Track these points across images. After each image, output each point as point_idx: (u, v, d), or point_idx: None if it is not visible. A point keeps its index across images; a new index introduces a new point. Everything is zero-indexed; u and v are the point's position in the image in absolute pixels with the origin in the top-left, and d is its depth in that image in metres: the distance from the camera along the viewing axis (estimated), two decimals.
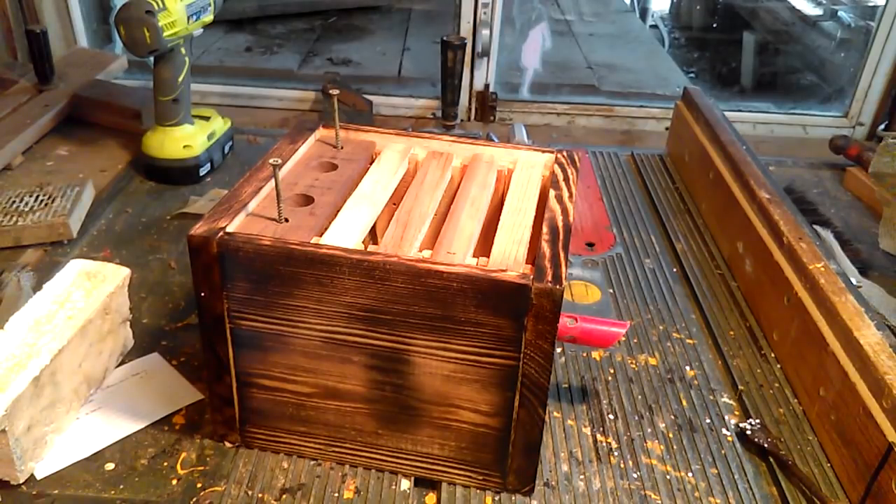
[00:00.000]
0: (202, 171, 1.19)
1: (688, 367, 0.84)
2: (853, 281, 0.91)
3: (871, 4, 2.12)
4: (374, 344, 0.63)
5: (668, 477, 0.71)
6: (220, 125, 1.24)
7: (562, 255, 0.60)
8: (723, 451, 0.74)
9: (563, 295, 0.57)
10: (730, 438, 0.75)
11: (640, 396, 0.80)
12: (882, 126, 1.65)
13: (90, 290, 0.76)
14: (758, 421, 0.76)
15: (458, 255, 0.62)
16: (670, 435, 0.75)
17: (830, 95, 1.88)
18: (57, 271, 0.78)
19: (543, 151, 0.78)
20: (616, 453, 0.73)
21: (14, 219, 1.00)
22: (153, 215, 1.09)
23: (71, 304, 0.73)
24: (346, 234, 0.64)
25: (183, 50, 1.12)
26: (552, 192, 0.70)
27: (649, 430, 0.76)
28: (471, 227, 0.66)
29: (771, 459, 0.73)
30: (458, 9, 1.56)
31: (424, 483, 0.69)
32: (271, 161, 0.63)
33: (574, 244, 1.05)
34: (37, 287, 0.83)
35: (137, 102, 1.31)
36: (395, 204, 0.72)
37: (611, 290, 0.97)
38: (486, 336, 0.60)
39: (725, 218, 1.05)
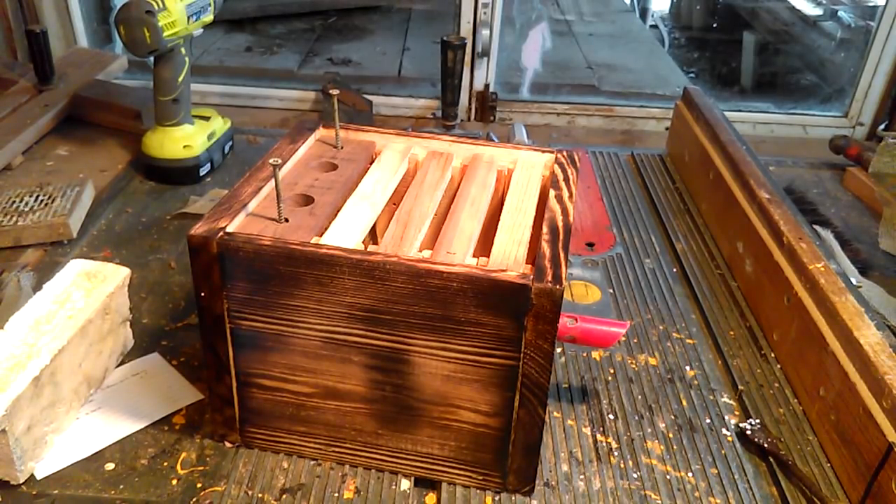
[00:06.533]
0: (202, 171, 1.19)
1: (688, 367, 0.84)
2: (853, 281, 0.91)
3: (871, 4, 2.12)
4: (374, 344, 0.63)
5: (668, 477, 0.71)
6: (220, 125, 1.24)
7: (562, 255, 0.60)
8: (723, 451, 0.74)
9: (563, 295, 0.57)
10: (730, 438, 0.75)
11: (640, 396, 0.80)
12: (882, 126, 1.65)
13: (90, 290, 0.76)
14: (758, 421, 0.76)
15: (458, 255, 0.62)
16: (670, 435, 0.75)
17: (830, 95, 1.88)
18: (57, 271, 0.78)
19: (543, 151, 0.78)
20: (616, 453, 0.73)
21: (14, 219, 0.99)
22: (153, 215, 1.09)
23: (71, 304, 0.73)
24: (346, 234, 0.64)
25: (183, 50, 1.12)
26: (552, 192, 0.70)
27: (649, 430, 0.76)
28: (471, 227, 0.66)
29: (771, 459, 0.73)
30: (458, 9, 1.56)
31: (424, 483, 0.69)
32: (271, 161, 0.63)
33: (574, 244, 1.05)
34: (37, 287, 0.83)
35: (137, 102, 1.31)
36: (395, 204, 0.72)
37: (611, 290, 0.97)
38: (486, 336, 0.60)
39: (725, 218, 1.05)
